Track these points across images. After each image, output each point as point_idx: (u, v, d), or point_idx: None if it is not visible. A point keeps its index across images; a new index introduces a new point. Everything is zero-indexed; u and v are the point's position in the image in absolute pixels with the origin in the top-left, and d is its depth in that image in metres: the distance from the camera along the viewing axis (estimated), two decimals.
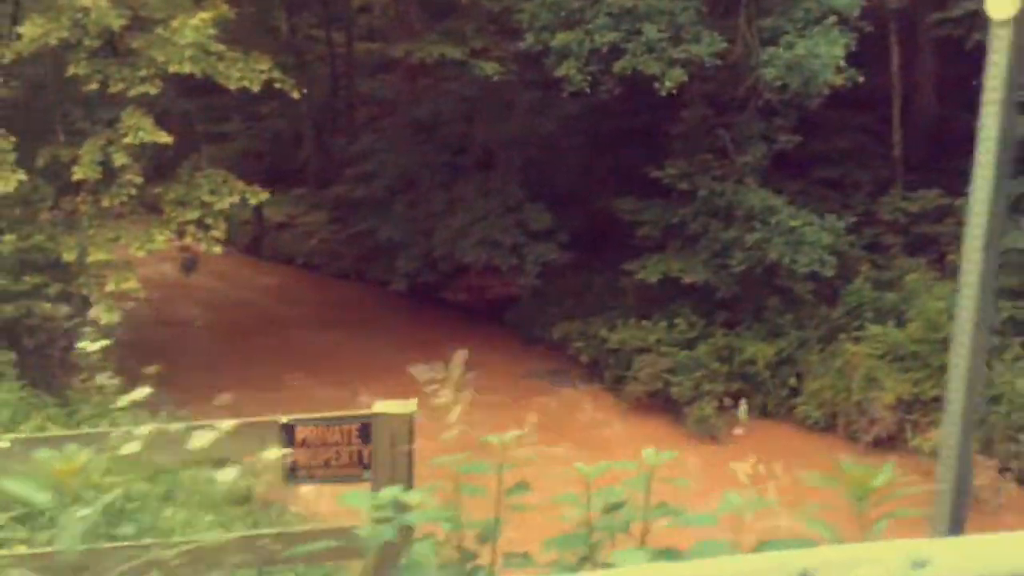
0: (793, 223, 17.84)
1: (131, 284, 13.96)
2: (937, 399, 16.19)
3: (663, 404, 17.99)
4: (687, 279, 18.69)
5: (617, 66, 16.65)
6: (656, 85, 16.73)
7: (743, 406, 16.88)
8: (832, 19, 17.15)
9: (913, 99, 22.42)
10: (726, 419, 17.37)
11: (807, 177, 22.10)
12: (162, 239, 14.26)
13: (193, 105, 30.60)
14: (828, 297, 18.73)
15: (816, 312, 18.55)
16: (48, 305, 13.83)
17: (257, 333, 23.47)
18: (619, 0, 16.70)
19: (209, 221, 14.82)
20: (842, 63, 16.95)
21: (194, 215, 14.62)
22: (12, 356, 13.59)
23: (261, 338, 22.99)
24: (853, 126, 22.46)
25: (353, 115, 26.22)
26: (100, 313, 14.03)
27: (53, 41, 12.93)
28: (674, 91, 16.70)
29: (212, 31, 13.71)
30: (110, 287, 13.83)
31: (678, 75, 16.69)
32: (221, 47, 14.53)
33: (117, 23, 13.15)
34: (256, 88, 14.88)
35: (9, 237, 13.31)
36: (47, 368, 14.42)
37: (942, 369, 16.19)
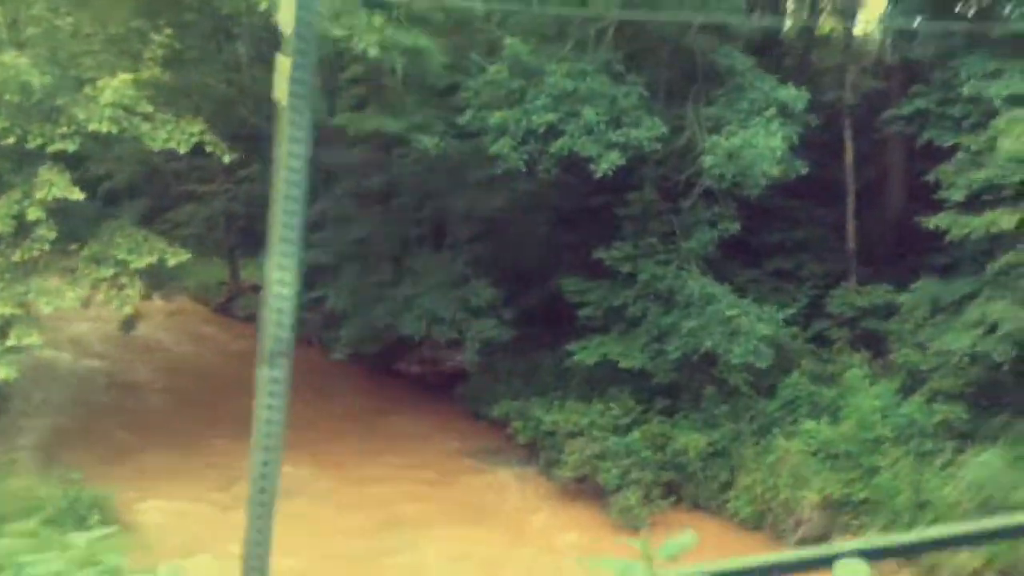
0: (729, 312, 17.57)
1: (33, 339, 13.76)
2: (867, 501, 15.67)
3: (592, 491, 17.48)
4: (624, 363, 18.36)
5: (554, 146, 16.66)
6: (592, 167, 16.68)
7: None
8: (772, 111, 17.16)
9: (878, 193, 22.36)
10: (651, 510, 16.84)
11: (761, 267, 21.94)
12: (72, 296, 14.11)
13: (182, 165, 30.94)
14: (766, 389, 18.34)
15: (753, 404, 18.14)
16: None
17: (204, 396, 23.12)
18: (560, 83, 16.79)
19: (124, 280, 14.69)
20: (784, 154, 16.90)
21: (108, 272, 14.50)
22: None
23: (206, 402, 22.64)
24: (813, 218, 22.37)
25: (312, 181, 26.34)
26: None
27: None
28: (610, 172, 16.66)
29: (133, 93, 13.79)
30: (11, 341, 13.63)
31: (615, 158, 16.68)
32: (149, 108, 14.62)
33: (39, 80, 13.26)
34: (183, 149, 14.92)
35: None
36: None
37: (873, 470, 15.72)
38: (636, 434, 17.62)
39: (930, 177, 18.27)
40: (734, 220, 18.58)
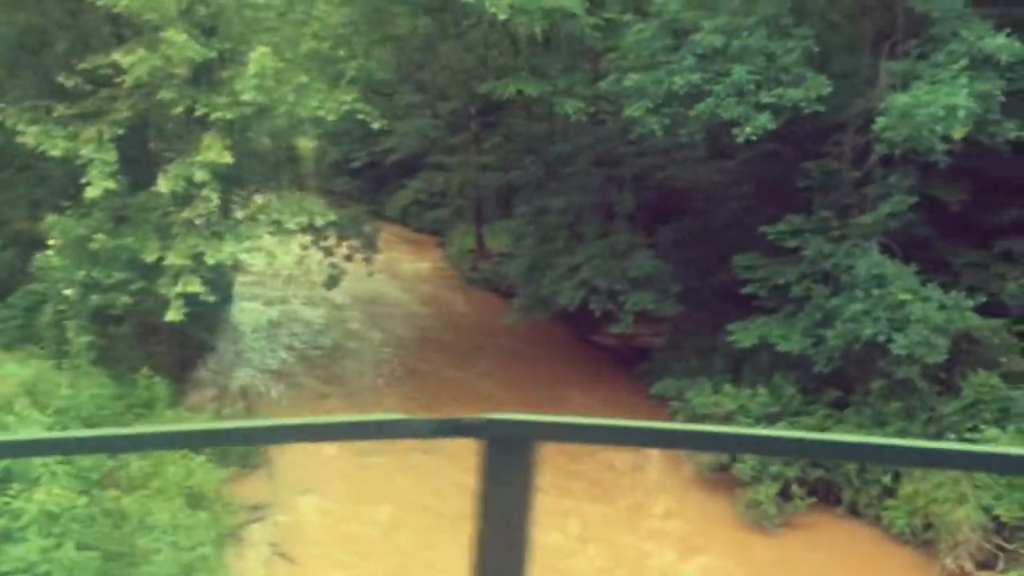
0: (903, 296, 15.34)
1: (195, 287, 15.52)
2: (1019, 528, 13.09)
3: (729, 481, 16.25)
4: (782, 347, 16.78)
5: (697, 109, 15.53)
6: (735, 131, 15.36)
7: None
8: (961, 63, 14.63)
9: None
10: (786, 509, 15.31)
11: (989, 248, 18.89)
12: (228, 251, 15.70)
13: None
14: (953, 387, 15.82)
15: (931, 402, 15.74)
16: (127, 298, 15.83)
17: (406, 355, 24.56)
18: (709, 39, 15.58)
19: (278, 238, 16.07)
20: (970, 113, 14.37)
21: (261, 231, 15.96)
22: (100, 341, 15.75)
23: (402, 358, 24.09)
24: None
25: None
26: (169, 312, 15.82)
27: (145, 70, 14.91)
28: (754, 137, 15.19)
29: (277, 64, 14.90)
30: (178, 288, 15.50)
31: (764, 121, 15.19)
32: (303, 78, 15.77)
33: (200, 55, 14.84)
34: (331, 117, 15.94)
35: (99, 236, 15.47)
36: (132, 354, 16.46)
37: None
38: (782, 424, 16.06)
39: None
40: (912, 192, 16.13)
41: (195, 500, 12.57)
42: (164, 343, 17.37)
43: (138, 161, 16.51)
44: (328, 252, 23.09)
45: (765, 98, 15.21)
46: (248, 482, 15.14)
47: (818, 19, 16.70)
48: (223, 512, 13.06)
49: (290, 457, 16.50)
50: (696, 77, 15.47)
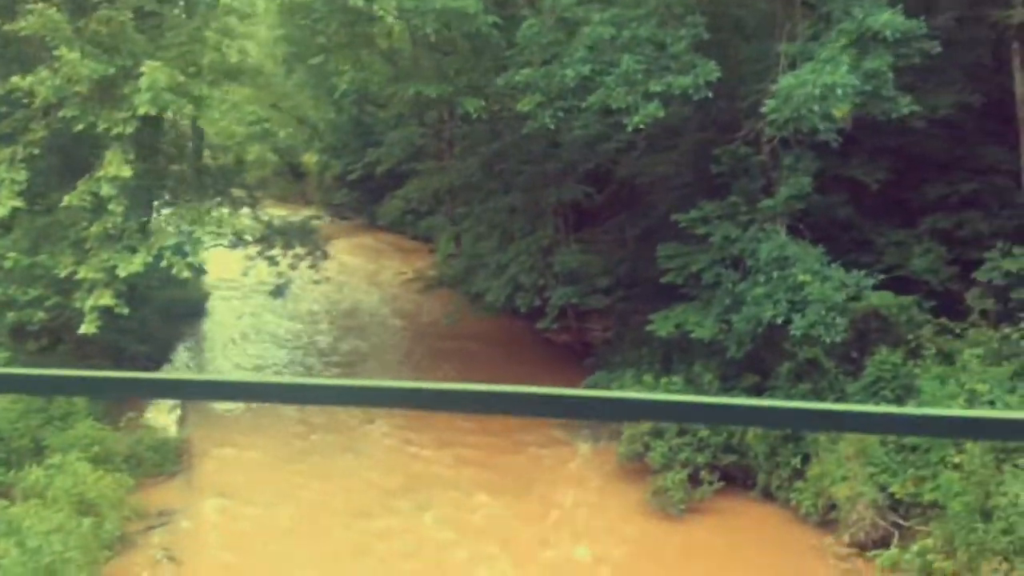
0: (803, 278, 15.30)
1: (106, 300, 15.87)
2: (935, 505, 12.99)
3: (643, 470, 16.27)
4: (696, 334, 16.79)
5: (588, 101, 15.63)
6: (625, 120, 15.43)
7: None
8: (841, 41, 14.60)
9: None
10: (694, 494, 15.31)
11: (915, 226, 18.78)
12: (138, 261, 16.03)
13: None
14: (863, 367, 15.73)
15: (838, 383, 15.67)
16: (42, 314, 16.21)
17: (365, 367, 24.72)
18: (598, 31, 15.67)
19: (187, 248, 16.38)
20: (850, 91, 14.32)
21: (171, 241, 16.28)
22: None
23: (360, 370, 24.26)
24: (983, 167, 18.67)
25: None
26: (83, 326, 16.18)
27: (50, 90, 15.31)
28: (642, 125, 15.24)
29: (168, 77, 15.21)
30: (91, 302, 15.86)
31: (652, 109, 15.24)
32: (205, 91, 16.10)
33: (96, 72, 15.21)
34: (240, 128, 16.25)
35: (12, 254, 15.88)
36: None
37: (944, 466, 13.04)
38: None
39: None
40: (812, 173, 16.08)
41: (86, 507, 12.86)
42: (97, 357, 17.72)
43: (56, 179, 16.90)
44: (272, 261, 23.51)
45: (654, 86, 15.25)
46: (164, 489, 15.42)
47: (717, 6, 16.70)
48: (119, 519, 13.33)
49: (213, 464, 16.81)
50: (587, 69, 15.56)
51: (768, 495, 15.64)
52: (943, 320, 15.98)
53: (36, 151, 16.35)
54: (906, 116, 16.51)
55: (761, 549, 13.70)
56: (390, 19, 15.08)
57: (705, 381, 17.05)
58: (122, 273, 16.14)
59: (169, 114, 15.72)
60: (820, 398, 15.76)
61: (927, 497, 13.04)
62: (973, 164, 18.69)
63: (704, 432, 15.89)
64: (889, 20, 14.85)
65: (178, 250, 16.43)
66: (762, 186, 17.01)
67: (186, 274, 16.40)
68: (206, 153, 22.31)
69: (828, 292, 15.03)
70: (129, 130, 15.67)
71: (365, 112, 37.75)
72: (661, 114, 15.34)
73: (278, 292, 23.17)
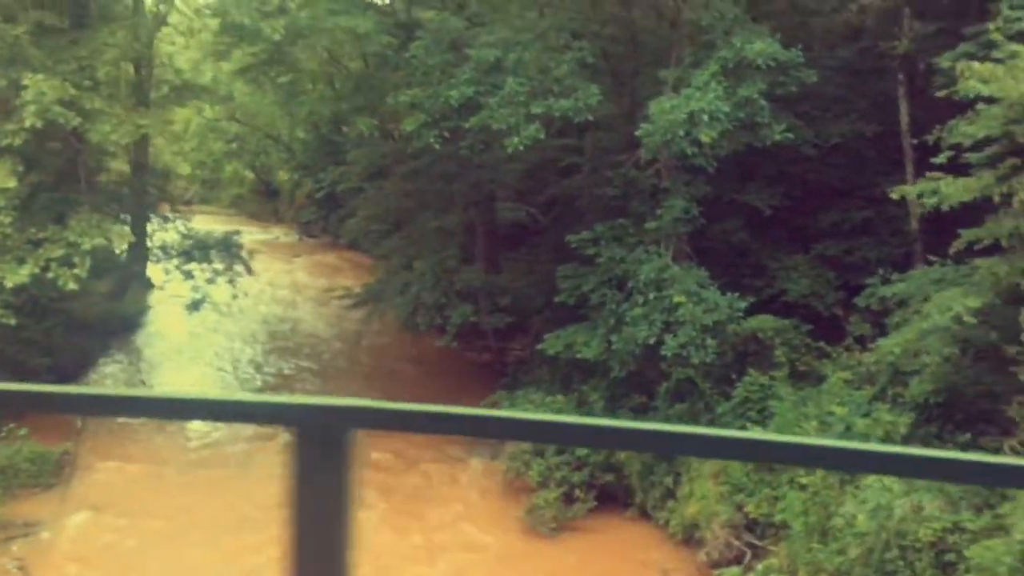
0: (677, 299, 15.53)
1: None
2: (785, 525, 13.15)
3: (523, 488, 16.39)
4: (582, 354, 16.98)
5: (471, 121, 15.89)
6: (506, 141, 15.69)
7: None
8: (713, 68, 14.93)
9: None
10: (566, 513, 15.42)
11: (809, 252, 19.11)
12: (24, 272, 16.13)
13: None
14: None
15: (712, 404, 15.86)
16: None
17: (281, 384, 24.74)
18: (483, 54, 15.97)
19: (75, 259, 16.49)
20: (719, 116, 14.62)
21: (59, 252, 16.38)
22: None
23: (275, 388, 24.31)
24: (875, 195, 19.01)
25: None
26: None
27: None
28: (521, 147, 15.51)
29: (56, 89, 15.38)
30: None
31: (533, 131, 15.51)
32: (99, 104, 16.28)
33: None
34: (125, 140, 16.41)
35: None
36: None
37: (792, 486, 13.21)
38: None
39: None
40: (690, 198, 16.36)
41: None
42: None
43: None
44: (189, 275, 23.64)
45: (535, 108, 15.53)
46: (36, 501, 15.41)
47: (605, 32, 17.05)
48: None
49: (95, 476, 16.81)
50: (471, 91, 15.82)
51: (644, 514, 15.77)
52: (821, 344, 16.23)
53: None
54: (800, 144, 16.91)
55: (617, 568, 13.79)
56: (276, 37, 15.27)
57: (591, 400, 17.23)
58: (8, 284, 16.21)
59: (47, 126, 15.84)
60: (695, 419, 15.95)
61: (778, 517, 13.19)
62: (868, 192, 19.03)
63: (584, 451, 16.03)
64: (762, 49, 15.19)
65: (65, 262, 16.52)
66: (651, 208, 17.27)
67: (72, 286, 16.43)
68: (115, 165, 22.51)
69: (699, 314, 15.25)
70: (17, 142, 15.83)
71: (335, 131, 38.14)
72: (541, 136, 15.62)
73: (194, 307, 23.24)
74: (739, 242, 18.85)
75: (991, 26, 13.75)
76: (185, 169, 54.59)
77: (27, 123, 15.46)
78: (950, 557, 10.98)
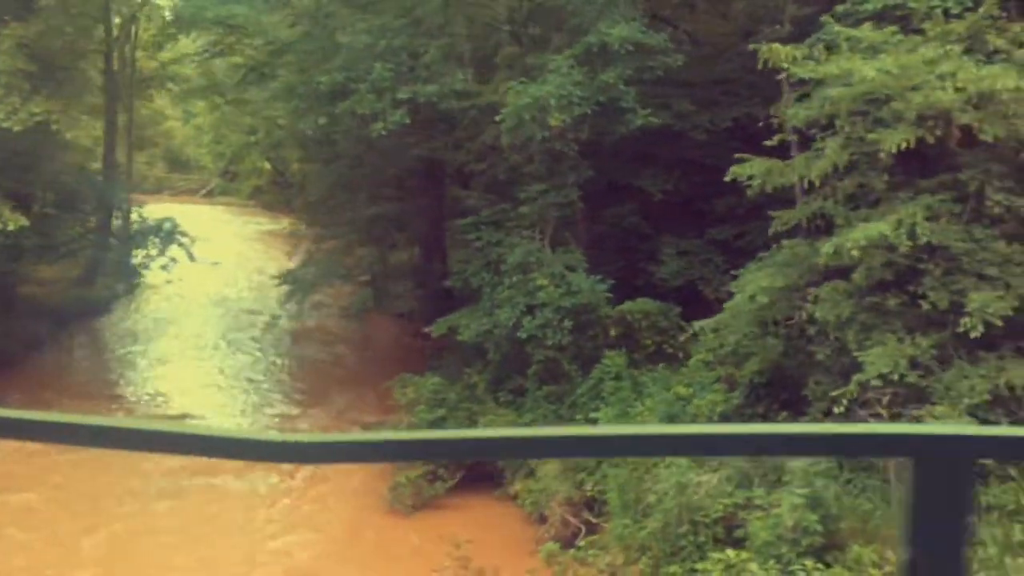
0: (540, 282, 15.75)
1: None
2: (604, 503, 13.39)
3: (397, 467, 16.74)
4: (461, 336, 17.27)
5: (340, 107, 16.22)
6: (373, 126, 16.01)
7: None
8: (567, 53, 15.10)
9: None
10: (428, 491, 15.74)
11: (703, 236, 19.20)
12: None
13: None
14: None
15: (577, 386, 16.07)
16: None
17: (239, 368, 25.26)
18: (359, 40, 16.28)
19: None
20: (560, 101, 14.77)
21: None
22: None
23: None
24: None
25: None
26: None
27: None
28: (383, 132, 15.81)
29: None
30: None
31: (399, 116, 15.81)
32: None
33: None
34: (17, 128, 17.07)
35: None
36: None
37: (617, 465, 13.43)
38: (442, 411, 16.54)
39: None
40: (557, 181, 16.52)
41: None
42: None
43: None
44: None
45: (401, 94, 15.81)
46: None
47: (473, 19, 17.24)
48: None
49: None
50: (341, 76, 16.15)
51: (510, 495, 16.04)
52: (686, 324, 16.35)
53: None
54: (690, 129, 17.00)
55: (453, 543, 13.96)
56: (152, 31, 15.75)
57: (474, 383, 17.50)
58: None
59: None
60: (561, 400, 16.18)
61: (608, 495, 13.40)
62: None
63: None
64: (623, 34, 15.31)
65: None
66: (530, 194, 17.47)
67: None
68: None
69: (557, 296, 15.45)
70: None
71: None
72: (407, 120, 15.89)
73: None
74: (632, 226, 18.99)
75: (840, 8, 13.76)
76: (207, 161, 55.61)
77: None
78: (739, 532, 11.13)
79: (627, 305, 16.53)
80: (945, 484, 1.32)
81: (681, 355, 15.75)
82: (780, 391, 13.15)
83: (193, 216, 37.61)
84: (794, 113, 13.09)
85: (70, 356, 25.34)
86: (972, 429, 1.35)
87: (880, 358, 10.38)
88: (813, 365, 11.80)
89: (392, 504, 15.63)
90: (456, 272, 18.26)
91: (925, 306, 10.54)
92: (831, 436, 1.39)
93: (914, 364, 10.30)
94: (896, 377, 10.17)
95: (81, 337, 27.22)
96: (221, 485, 16.47)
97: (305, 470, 17.36)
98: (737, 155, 13.34)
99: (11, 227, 17.83)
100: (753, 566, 9.82)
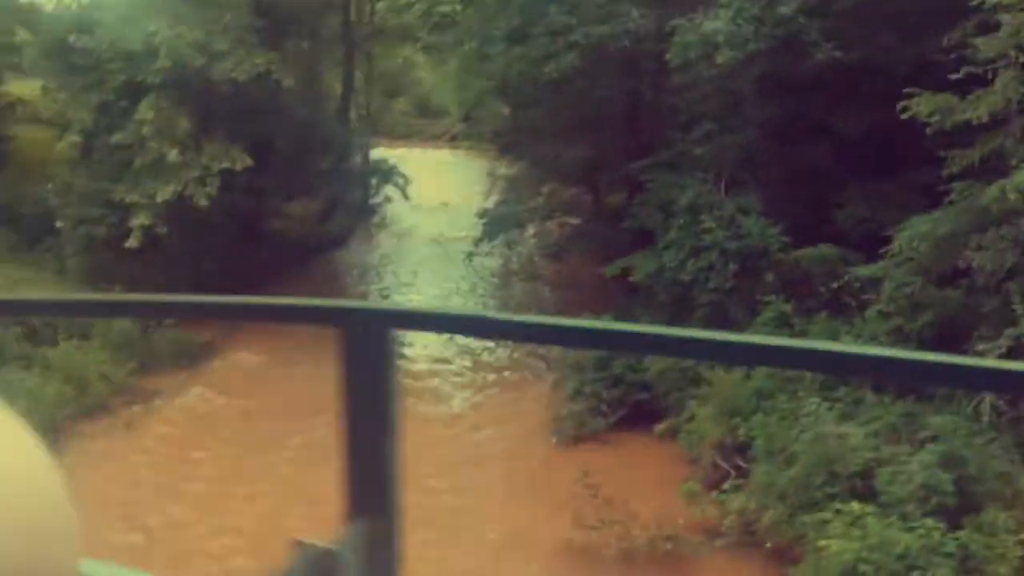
0: (708, 224, 15.53)
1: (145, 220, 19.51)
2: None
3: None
4: (634, 279, 17.43)
5: (515, 52, 16.70)
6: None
7: None
8: None
9: None
10: (591, 425, 16.18)
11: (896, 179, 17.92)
12: (169, 190, 19.46)
13: None
14: None
15: (743, 331, 15.73)
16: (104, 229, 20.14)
17: None
18: None
19: (208, 180, 19.63)
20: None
21: (196, 174, 19.56)
22: None
23: None
24: None
25: None
26: (129, 241, 19.90)
27: None
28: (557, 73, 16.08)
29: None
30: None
31: (571, 60, 16.06)
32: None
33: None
34: (243, 77, 19.12)
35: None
36: None
37: (769, 412, 13.29)
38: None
39: None
40: (732, 121, 16.02)
41: (73, 377, 16.50)
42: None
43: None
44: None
45: (573, 37, 16.02)
46: (165, 378, 18.72)
47: None
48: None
49: (221, 363, 19.96)
50: (517, 20, 16.56)
51: (669, 434, 16.13)
52: None
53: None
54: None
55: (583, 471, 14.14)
56: None
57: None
58: (159, 199, 19.64)
59: None
60: None
61: (756, 442, 13.23)
62: None
63: (621, 369, 16.57)
64: None
65: (200, 182, 19.69)
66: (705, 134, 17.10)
67: (203, 202, 19.56)
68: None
69: (722, 239, 15.17)
70: (158, 80, 19.03)
71: None
72: (577, 63, 16.07)
73: None
74: (823, 168, 18.01)
75: None
76: (452, 107, 58.78)
77: (159, 64, 18.57)
78: (877, 486, 10.69)
79: (805, 251, 15.89)
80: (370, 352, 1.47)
81: (855, 304, 14.96)
82: (950, 345, 12.25)
83: (431, 160, 40.00)
84: (984, 43, 11.90)
85: (300, 288, 28.14)
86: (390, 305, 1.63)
87: None
88: (980, 317, 10.91)
89: (554, 435, 16.26)
90: (633, 215, 18.31)
91: None
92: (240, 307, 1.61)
93: None
94: None
95: (314, 269, 30.10)
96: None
97: (476, 397, 18.51)
98: (907, 90, 12.32)
99: (238, 166, 20.01)
100: (871, 520, 9.46)
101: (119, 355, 18.05)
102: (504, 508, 13.99)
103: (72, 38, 19.80)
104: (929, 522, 9.12)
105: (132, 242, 19.80)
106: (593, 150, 22.43)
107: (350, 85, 33.10)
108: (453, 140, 56.47)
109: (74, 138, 20.09)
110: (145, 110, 19.18)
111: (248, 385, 18.70)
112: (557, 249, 21.78)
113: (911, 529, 9.17)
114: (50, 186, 20.70)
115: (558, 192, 24.82)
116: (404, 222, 33.06)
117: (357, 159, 32.14)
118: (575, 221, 24.13)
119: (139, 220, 19.77)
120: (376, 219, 33.17)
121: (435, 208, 33.63)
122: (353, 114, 33.59)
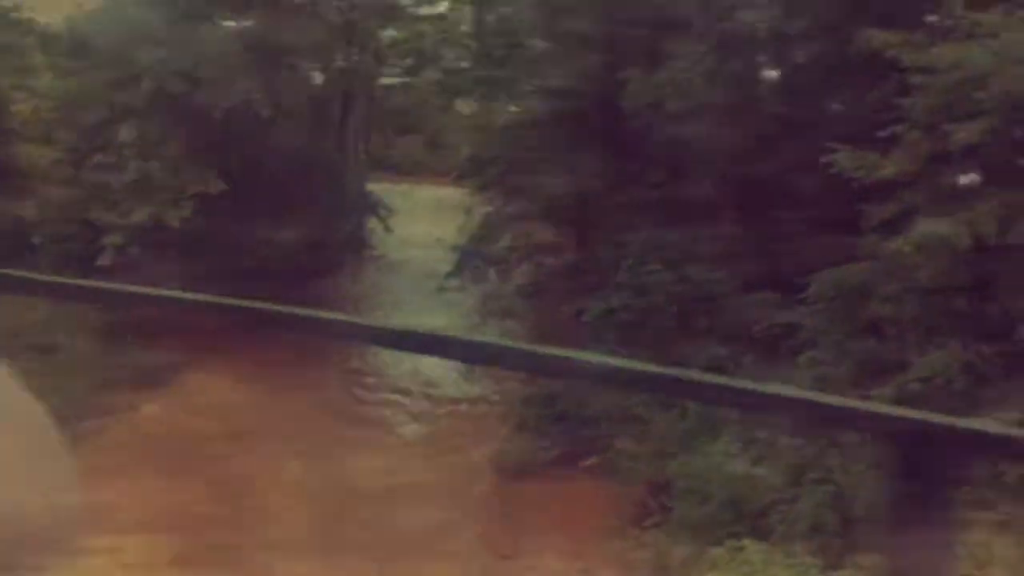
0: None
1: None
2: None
3: None
4: (588, 316, 17.83)
5: None
6: None
7: None
8: None
9: None
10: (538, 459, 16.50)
11: None
12: (143, 212, 20.06)
13: None
14: None
15: None
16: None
17: None
18: None
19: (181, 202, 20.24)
20: None
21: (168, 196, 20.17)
22: None
23: None
24: None
25: None
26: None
27: None
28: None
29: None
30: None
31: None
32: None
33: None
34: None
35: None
36: None
37: None
38: None
39: None
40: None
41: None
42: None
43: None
44: None
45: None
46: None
47: None
48: None
49: None
50: None
51: (608, 471, 16.35)
52: None
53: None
54: None
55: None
56: None
57: None
58: (134, 219, 20.25)
59: None
60: None
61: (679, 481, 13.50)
62: None
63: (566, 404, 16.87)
64: None
65: (174, 204, 20.30)
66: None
67: (175, 224, 20.14)
68: None
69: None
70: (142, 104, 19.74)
71: None
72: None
73: None
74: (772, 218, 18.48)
75: None
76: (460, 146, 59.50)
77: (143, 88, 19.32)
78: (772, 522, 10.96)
79: (747, 296, 16.25)
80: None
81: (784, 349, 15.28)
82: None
83: (434, 196, 40.75)
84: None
85: None
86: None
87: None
88: (884, 366, 11.26)
89: (494, 469, 16.53)
90: (590, 254, 18.77)
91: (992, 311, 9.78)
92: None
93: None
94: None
95: (290, 298, 30.55)
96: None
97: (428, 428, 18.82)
98: (830, 144, 12.81)
99: (212, 190, 20.62)
100: (757, 556, 9.76)
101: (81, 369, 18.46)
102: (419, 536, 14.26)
103: (61, 59, 20.61)
104: (808, 560, 9.39)
105: (104, 260, 20.33)
106: (565, 188, 22.88)
107: (351, 118, 33.82)
108: (459, 178, 57.27)
109: (57, 155, 20.77)
110: (127, 132, 19.86)
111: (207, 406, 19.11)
112: (530, 288, 22.20)
113: (791, 567, 9.45)
114: (30, 203, 21.31)
115: (530, 230, 25.25)
116: (394, 256, 33.67)
117: (351, 192, 32.76)
118: (547, 260, 24.61)
119: (112, 240, 20.33)
120: (366, 252, 33.73)
121: (429, 244, 34.28)
122: (352, 147, 34.24)
